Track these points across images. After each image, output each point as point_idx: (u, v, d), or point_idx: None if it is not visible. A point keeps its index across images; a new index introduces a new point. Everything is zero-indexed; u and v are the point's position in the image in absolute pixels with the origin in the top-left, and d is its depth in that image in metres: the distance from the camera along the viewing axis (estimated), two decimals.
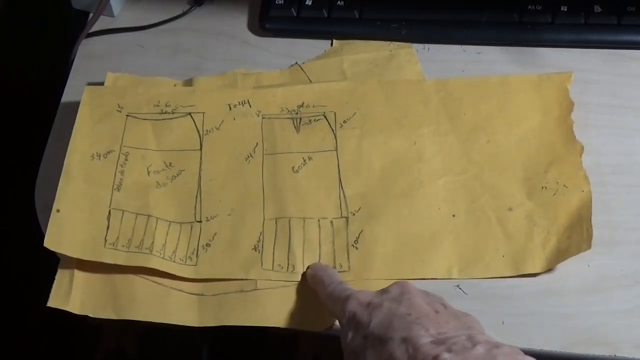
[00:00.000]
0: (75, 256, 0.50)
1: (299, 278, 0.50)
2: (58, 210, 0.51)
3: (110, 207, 0.52)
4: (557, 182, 0.53)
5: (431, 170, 0.54)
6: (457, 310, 0.43)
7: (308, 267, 0.50)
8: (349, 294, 0.45)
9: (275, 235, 0.52)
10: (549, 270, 0.50)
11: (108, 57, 0.63)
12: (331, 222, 0.52)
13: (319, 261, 0.51)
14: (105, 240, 0.51)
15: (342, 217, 0.53)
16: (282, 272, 0.50)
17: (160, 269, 0.50)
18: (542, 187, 0.53)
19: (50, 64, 0.79)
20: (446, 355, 0.36)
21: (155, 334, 0.89)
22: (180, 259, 0.51)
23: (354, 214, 0.53)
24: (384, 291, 0.44)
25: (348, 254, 0.51)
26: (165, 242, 0.51)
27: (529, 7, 0.61)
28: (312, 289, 0.49)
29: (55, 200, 0.51)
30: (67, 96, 0.61)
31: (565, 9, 0.60)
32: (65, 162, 0.53)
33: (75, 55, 0.63)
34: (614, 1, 0.60)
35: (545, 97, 0.57)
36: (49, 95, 0.62)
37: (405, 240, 0.51)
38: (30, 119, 0.73)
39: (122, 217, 0.52)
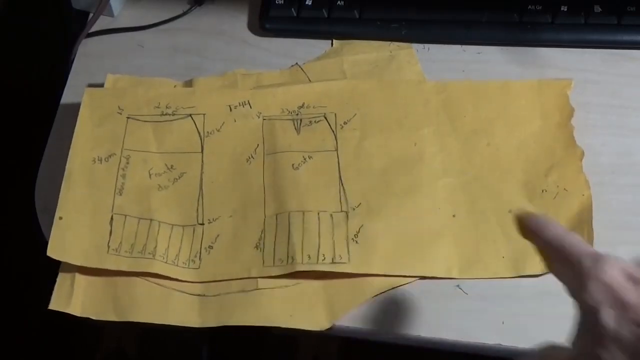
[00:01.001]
0: (78, 264, 0.50)
1: (298, 268, 0.50)
2: (60, 218, 0.51)
3: (112, 212, 0.52)
4: (558, 186, 0.53)
5: (431, 171, 0.54)
6: None
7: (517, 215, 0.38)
8: (595, 252, 0.33)
9: (276, 231, 0.52)
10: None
11: (108, 57, 0.63)
12: (331, 215, 0.52)
13: (319, 251, 0.50)
14: (108, 247, 0.50)
15: (341, 211, 0.52)
16: (282, 265, 0.50)
17: (164, 274, 0.50)
18: (543, 191, 0.53)
19: (50, 64, 0.79)
20: None
21: (155, 334, 0.89)
22: (183, 263, 0.51)
23: (354, 209, 0.52)
24: None
25: (348, 247, 0.51)
26: (168, 246, 0.51)
27: (529, 7, 0.61)
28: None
29: (58, 208, 0.51)
30: (67, 96, 0.61)
31: (565, 9, 0.60)
32: (67, 167, 0.53)
33: (75, 55, 0.63)
34: (614, 1, 0.60)
35: (546, 103, 0.57)
36: (49, 95, 0.62)
37: (406, 238, 0.51)
38: (30, 119, 0.73)
39: (124, 221, 0.52)
